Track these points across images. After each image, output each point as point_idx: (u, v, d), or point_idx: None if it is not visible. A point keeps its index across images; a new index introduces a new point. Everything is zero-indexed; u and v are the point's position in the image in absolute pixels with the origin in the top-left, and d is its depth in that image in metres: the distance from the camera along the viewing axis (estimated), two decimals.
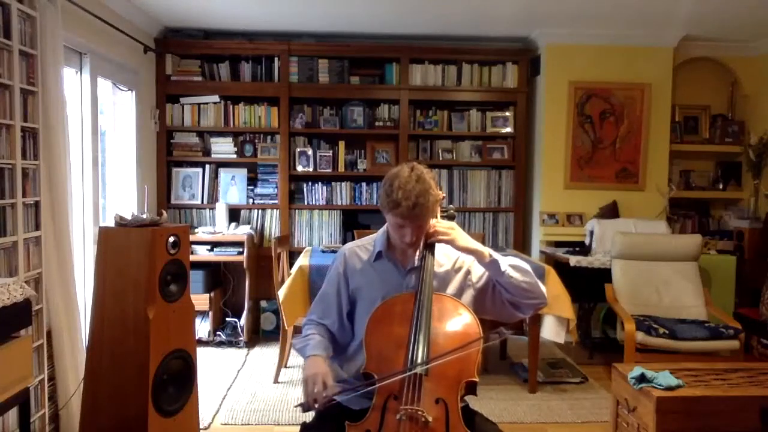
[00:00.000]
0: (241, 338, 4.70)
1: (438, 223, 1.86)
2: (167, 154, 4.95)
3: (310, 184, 5.08)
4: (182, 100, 4.97)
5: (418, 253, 1.92)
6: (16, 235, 2.63)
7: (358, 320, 1.92)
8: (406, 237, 1.84)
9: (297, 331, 3.50)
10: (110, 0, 3.87)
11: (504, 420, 3.32)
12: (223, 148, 5.01)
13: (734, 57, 5.15)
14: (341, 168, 5.07)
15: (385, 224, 1.96)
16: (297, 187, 5.10)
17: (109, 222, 2.95)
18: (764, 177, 4.98)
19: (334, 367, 1.95)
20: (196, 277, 4.46)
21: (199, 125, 4.99)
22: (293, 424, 3.25)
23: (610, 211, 4.82)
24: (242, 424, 3.31)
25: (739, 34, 4.88)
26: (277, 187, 5.04)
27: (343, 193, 5.09)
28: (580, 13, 4.39)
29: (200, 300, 4.51)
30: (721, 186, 5.31)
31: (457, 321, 1.80)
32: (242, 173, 5.06)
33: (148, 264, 2.49)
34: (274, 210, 5.06)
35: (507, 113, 5.16)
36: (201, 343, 4.53)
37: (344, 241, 4.96)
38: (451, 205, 2.20)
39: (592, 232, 4.70)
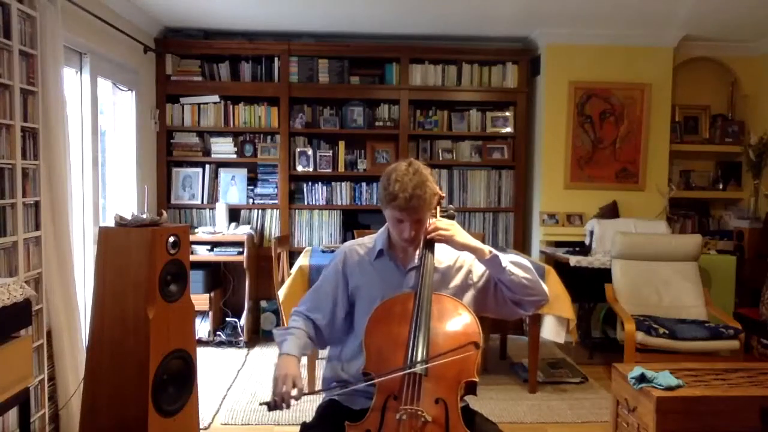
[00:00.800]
0: (241, 338, 4.70)
1: (438, 221, 1.86)
2: (167, 154, 4.95)
3: (310, 184, 5.08)
4: (182, 100, 4.97)
5: (417, 252, 1.92)
6: (16, 235, 2.63)
7: (357, 320, 1.91)
8: (405, 232, 1.84)
9: None
10: (110, 0, 3.87)
11: (504, 420, 3.31)
12: (223, 148, 5.01)
13: (734, 57, 5.15)
14: (341, 168, 5.07)
15: (386, 224, 1.95)
16: (297, 187, 5.10)
17: (109, 222, 2.96)
18: (764, 177, 4.98)
19: (334, 366, 1.95)
20: (196, 277, 4.46)
21: (199, 125, 4.99)
22: (293, 424, 3.25)
23: (610, 211, 4.82)
24: (242, 424, 3.31)
25: (739, 34, 4.88)
26: (277, 187, 5.04)
27: (343, 193, 5.09)
28: (580, 13, 4.39)
29: (200, 300, 4.51)
30: (721, 186, 5.31)
31: (457, 321, 1.79)
32: (242, 173, 5.06)
33: (148, 264, 2.49)
34: (274, 210, 5.06)
35: (507, 113, 5.16)
36: (201, 343, 4.53)
37: (344, 241, 4.94)
38: (451, 205, 2.20)
39: (592, 232, 4.70)
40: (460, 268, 1.96)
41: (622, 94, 4.94)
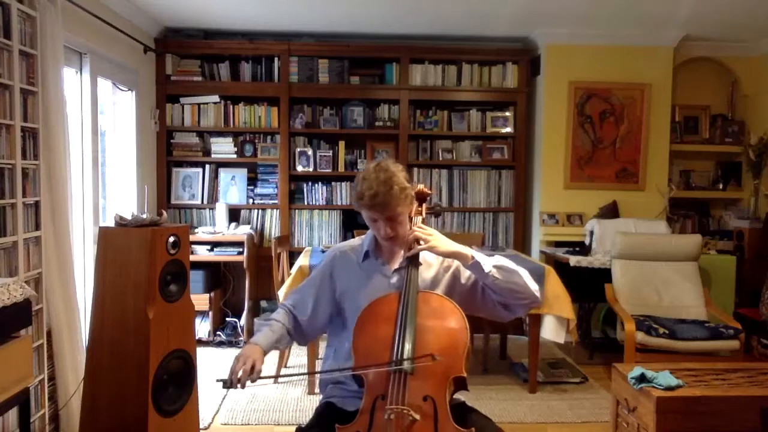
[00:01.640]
0: (241, 338, 4.70)
1: (417, 230, 1.85)
2: (167, 154, 4.95)
3: (310, 184, 5.08)
4: (182, 100, 4.97)
5: (403, 251, 1.91)
6: (16, 235, 2.63)
7: (349, 323, 1.92)
8: (381, 230, 1.87)
9: None
10: (110, 0, 3.87)
11: (504, 420, 3.31)
12: (223, 148, 5.01)
13: (734, 57, 5.15)
14: (341, 168, 5.07)
15: None
16: (297, 187, 5.10)
17: (109, 222, 2.96)
18: (764, 177, 4.98)
19: (330, 366, 1.95)
20: (196, 277, 4.46)
21: (199, 125, 4.99)
22: (293, 424, 3.24)
23: (610, 211, 4.82)
24: (242, 424, 3.31)
25: (739, 34, 4.88)
26: (277, 187, 5.04)
27: (343, 193, 5.09)
28: (580, 13, 4.39)
29: (200, 300, 4.51)
30: (721, 186, 5.31)
31: (443, 318, 1.78)
32: (242, 173, 5.06)
33: (148, 264, 2.49)
34: (274, 210, 5.06)
35: (507, 113, 5.16)
36: (201, 343, 4.53)
37: (344, 240, 4.95)
38: (440, 202, 2.21)
39: (592, 232, 4.70)
40: (448, 268, 1.95)
41: (622, 94, 4.94)
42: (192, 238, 4.46)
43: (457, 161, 5.14)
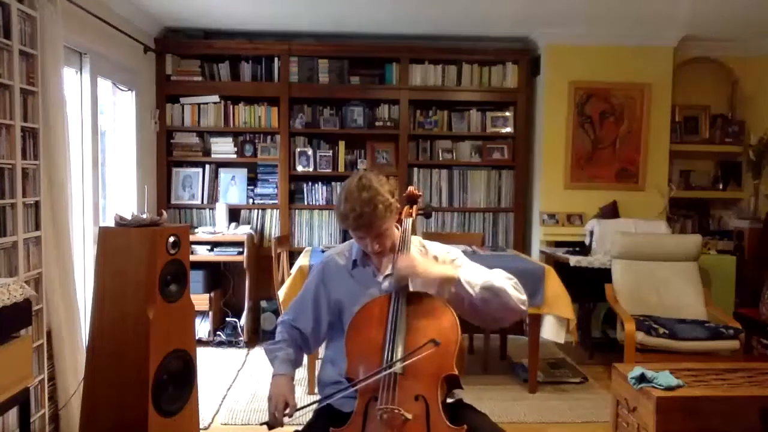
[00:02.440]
0: (241, 338, 4.70)
1: (399, 263, 1.81)
2: (167, 154, 4.95)
3: (310, 184, 5.08)
4: (182, 100, 4.97)
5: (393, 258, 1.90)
6: (16, 235, 2.63)
7: (344, 330, 1.91)
8: (368, 247, 1.88)
9: None
10: (110, 0, 3.87)
11: (504, 420, 3.31)
12: (223, 148, 5.01)
13: (734, 57, 5.14)
14: (341, 168, 5.06)
15: None
16: (297, 187, 5.10)
17: (109, 222, 2.95)
18: (764, 177, 4.98)
19: (329, 368, 1.95)
20: (196, 277, 4.46)
21: (199, 125, 4.99)
22: (293, 425, 3.25)
23: (610, 211, 4.82)
24: (242, 424, 3.31)
25: (739, 34, 4.88)
26: (277, 187, 5.04)
27: None
28: (580, 13, 4.39)
29: (200, 300, 4.51)
30: (721, 186, 5.31)
31: (435, 318, 1.78)
32: (242, 173, 5.06)
33: (148, 264, 2.49)
34: (274, 210, 5.06)
35: (507, 113, 5.16)
36: (201, 343, 4.52)
37: (344, 241, 4.94)
38: (430, 203, 2.23)
39: (592, 232, 4.70)
40: None
41: (622, 94, 4.94)
42: (192, 238, 4.46)
43: (457, 161, 5.14)
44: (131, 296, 2.50)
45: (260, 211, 5.08)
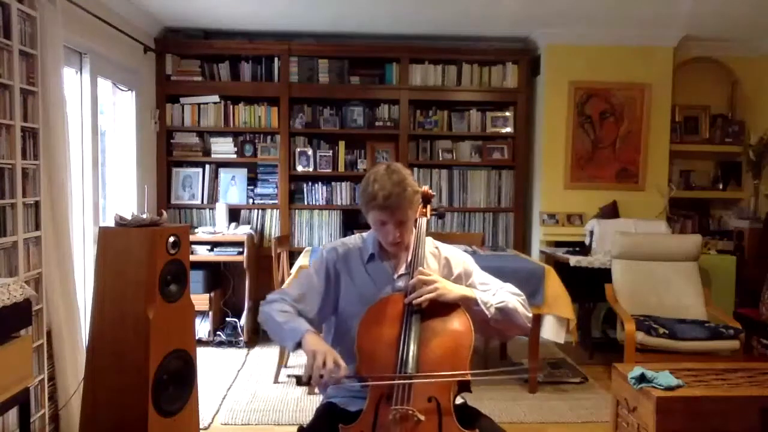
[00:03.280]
0: (241, 338, 4.70)
1: (422, 276, 1.79)
2: (167, 154, 4.95)
3: (310, 184, 5.08)
4: (182, 100, 4.97)
5: (409, 255, 1.91)
6: (16, 235, 2.63)
7: (352, 323, 1.88)
8: (389, 235, 1.83)
9: None
10: (110, 0, 3.87)
11: (504, 420, 3.31)
12: (223, 148, 5.01)
13: (734, 57, 5.14)
14: (341, 168, 5.07)
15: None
16: (297, 187, 5.10)
17: (109, 222, 2.95)
18: (764, 177, 4.98)
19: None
20: (196, 277, 4.46)
21: (199, 125, 4.99)
22: (293, 424, 3.25)
23: (610, 211, 4.82)
24: (242, 424, 3.31)
25: (739, 34, 4.88)
26: (277, 187, 5.04)
27: (343, 193, 5.09)
28: (580, 13, 4.39)
29: (200, 300, 4.51)
30: (721, 186, 5.31)
31: (448, 319, 1.79)
32: (242, 173, 5.06)
33: (148, 264, 2.49)
34: (274, 210, 5.06)
35: (507, 113, 5.16)
36: (201, 343, 4.52)
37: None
38: (442, 204, 2.24)
39: (592, 232, 4.70)
40: (448, 277, 1.94)
41: (622, 94, 4.94)
42: (192, 238, 4.46)
43: (457, 161, 5.14)
44: (131, 296, 2.50)
45: (260, 211, 5.08)
